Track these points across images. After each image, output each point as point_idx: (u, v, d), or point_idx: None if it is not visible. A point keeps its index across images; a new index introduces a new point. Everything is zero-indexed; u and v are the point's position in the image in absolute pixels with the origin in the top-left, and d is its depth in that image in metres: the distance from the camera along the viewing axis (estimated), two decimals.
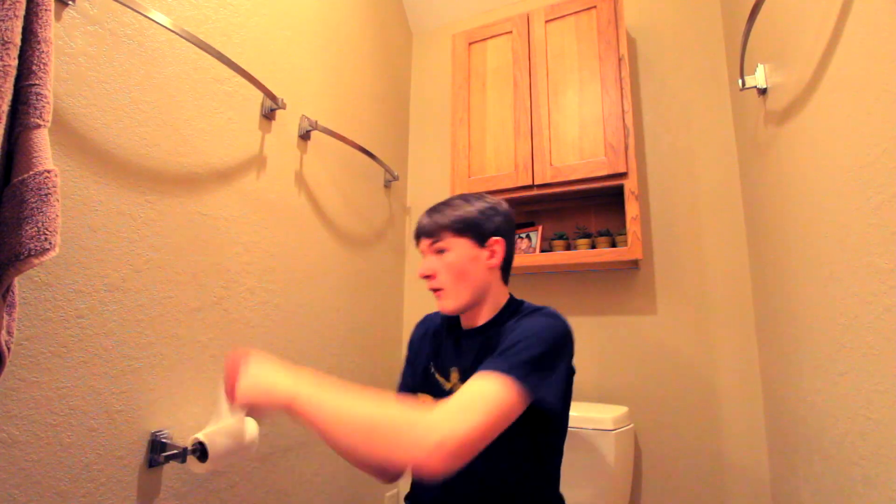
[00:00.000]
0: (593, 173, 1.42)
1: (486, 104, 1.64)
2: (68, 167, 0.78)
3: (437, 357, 0.93)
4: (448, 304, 0.86)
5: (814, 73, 0.85)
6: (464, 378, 0.85)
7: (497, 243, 0.88)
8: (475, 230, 0.86)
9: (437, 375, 0.91)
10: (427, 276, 0.86)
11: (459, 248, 0.85)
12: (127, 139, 0.88)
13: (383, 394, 0.65)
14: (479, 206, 0.88)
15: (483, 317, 0.88)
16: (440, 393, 0.88)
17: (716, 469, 1.36)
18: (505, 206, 0.92)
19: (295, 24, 1.36)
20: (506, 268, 0.91)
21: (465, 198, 0.90)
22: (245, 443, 0.94)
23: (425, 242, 0.88)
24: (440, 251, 0.86)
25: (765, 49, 1.12)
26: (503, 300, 0.90)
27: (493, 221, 0.88)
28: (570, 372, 0.83)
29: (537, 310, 0.83)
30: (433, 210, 0.89)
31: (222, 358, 1.05)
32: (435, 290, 0.86)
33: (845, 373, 0.79)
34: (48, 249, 0.63)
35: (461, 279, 0.85)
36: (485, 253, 0.87)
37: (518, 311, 0.87)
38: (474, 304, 0.87)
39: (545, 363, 0.71)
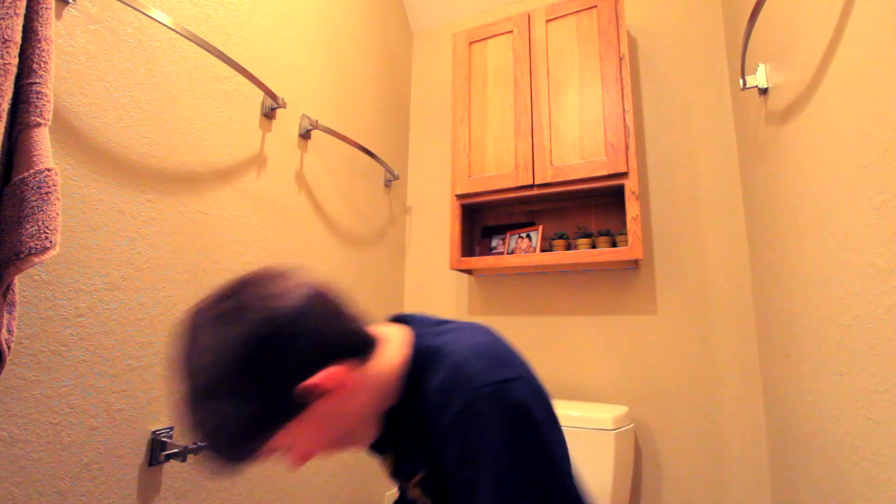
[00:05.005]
0: (594, 173, 1.42)
1: (487, 103, 1.64)
2: (68, 165, 0.78)
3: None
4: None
5: (815, 73, 0.85)
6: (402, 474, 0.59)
7: (327, 378, 0.48)
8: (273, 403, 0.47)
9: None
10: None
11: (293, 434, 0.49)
12: (127, 138, 0.88)
13: None
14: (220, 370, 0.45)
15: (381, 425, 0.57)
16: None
17: (716, 469, 1.36)
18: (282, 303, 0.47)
19: (295, 23, 1.36)
20: (351, 351, 0.51)
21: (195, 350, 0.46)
22: None
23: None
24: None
25: (766, 49, 1.12)
26: (394, 379, 0.55)
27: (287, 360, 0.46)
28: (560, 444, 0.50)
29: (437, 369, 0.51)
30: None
31: None
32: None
33: (845, 373, 0.79)
34: (48, 248, 0.63)
35: (330, 438, 0.53)
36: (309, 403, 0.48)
37: (423, 379, 0.53)
38: (361, 430, 0.56)
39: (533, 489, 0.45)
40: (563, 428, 0.57)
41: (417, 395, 0.53)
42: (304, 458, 0.52)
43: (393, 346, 0.56)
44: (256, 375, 0.45)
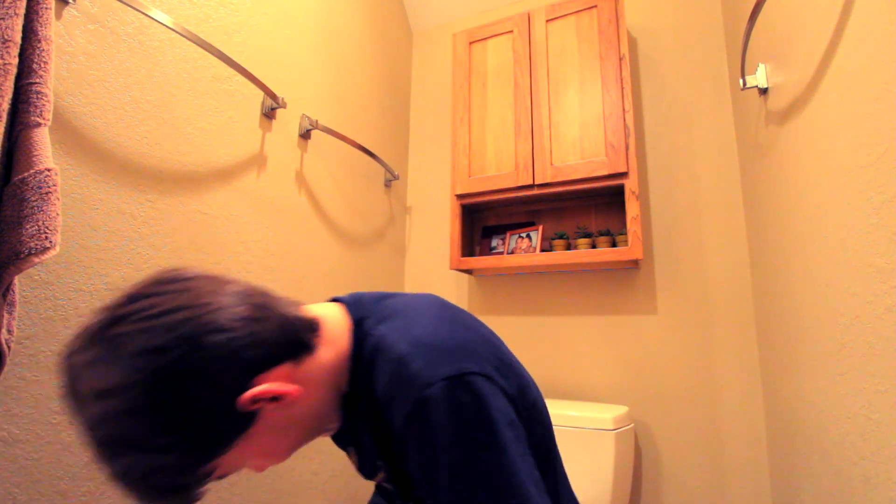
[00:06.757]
0: (594, 173, 1.42)
1: (487, 103, 1.64)
2: (68, 165, 0.78)
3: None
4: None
5: (815, 73, 0.85)
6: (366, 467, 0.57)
7: (265, 390, 0.44)
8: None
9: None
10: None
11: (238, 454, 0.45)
12: (127, 138, 0.88)
13: None
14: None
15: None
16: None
17: (716, 469, 1.36)
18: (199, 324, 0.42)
19: (296, 23, 1.36)
20: (290, 349, 0.48)
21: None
22: None
23: None
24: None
25: (766, 49, 1.12)
26: (343, 363, 0.52)
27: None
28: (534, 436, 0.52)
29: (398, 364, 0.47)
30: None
31: None
32: None
33: (845, 373, 0.79)
34: (48, 248, 0.63)
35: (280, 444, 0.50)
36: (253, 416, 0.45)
37: (370, 367, 0.50)
38: (322, 425, 0.54)
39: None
40: (554, 425, 0.58)
41: (366, 388, 0.50)
42: (265, 466, 0.50)
43: (335, 332, 0.53)
44: (167, 420, 0.40)
